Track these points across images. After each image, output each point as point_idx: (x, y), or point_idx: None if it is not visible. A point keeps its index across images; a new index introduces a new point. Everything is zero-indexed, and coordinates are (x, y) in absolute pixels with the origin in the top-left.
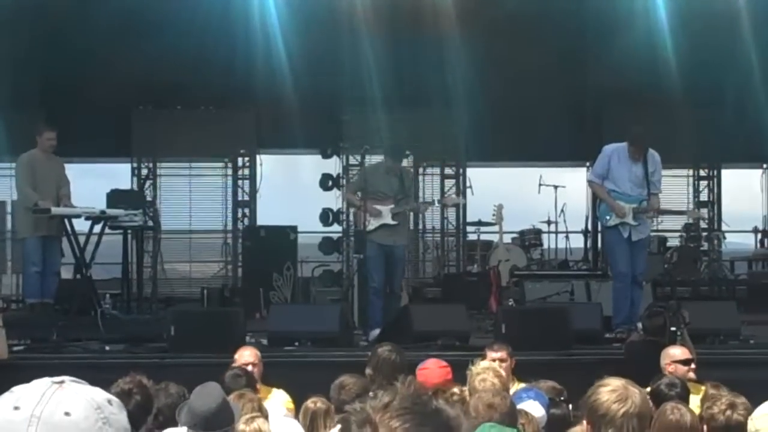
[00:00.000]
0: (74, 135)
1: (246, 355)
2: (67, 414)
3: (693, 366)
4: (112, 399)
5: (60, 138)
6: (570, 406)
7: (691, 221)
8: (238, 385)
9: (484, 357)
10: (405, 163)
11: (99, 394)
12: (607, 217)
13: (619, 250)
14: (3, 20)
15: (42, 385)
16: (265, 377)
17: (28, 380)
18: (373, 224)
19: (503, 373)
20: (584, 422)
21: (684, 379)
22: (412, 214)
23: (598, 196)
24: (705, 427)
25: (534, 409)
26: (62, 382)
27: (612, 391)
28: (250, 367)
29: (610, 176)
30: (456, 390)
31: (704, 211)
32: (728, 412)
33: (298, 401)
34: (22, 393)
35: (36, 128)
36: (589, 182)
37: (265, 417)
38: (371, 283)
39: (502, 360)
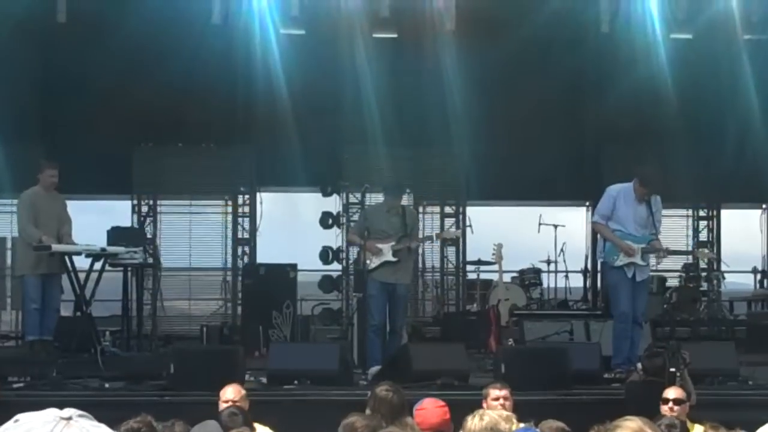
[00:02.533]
0: (75, 171)
1: (228, 393)
2: None
3: (671, 406)
4: None
5: (60, 174)
6: None
7: (692, 261)
8: (235, 423)
9: (486, 396)
10: (405, 200)
11: None
12: (615, 257)
13: (622, 289)
14: (5, 56)
15: (49, 420)
16: (259, 415)
17: None
18: (375, 262)
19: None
20: None
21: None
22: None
23: (604, 236)
24: None
25: None
26: (69, 418)
27: None
28: (230, 405)
29: (615, 217)
30: None
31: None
32: None
33: None
34: (28, 426)
35: (38, 165)
36: (594, 223)
37: None
38: (371, 321)
39: (505, 398)
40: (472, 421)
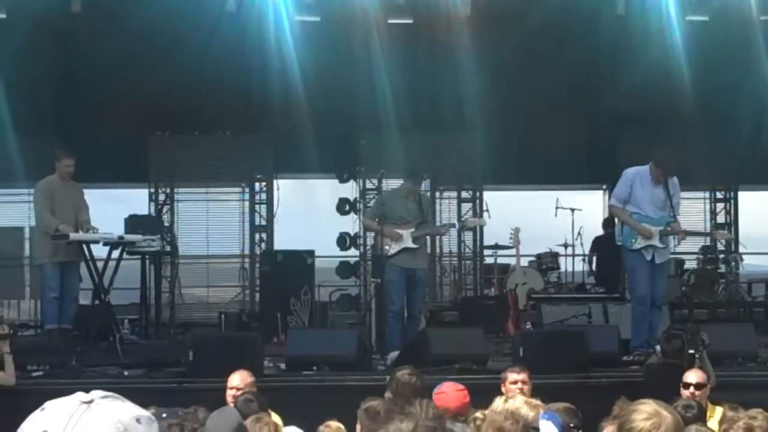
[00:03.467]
0: (91, 160)
1: (233, 380)
2: None
3: (693, 391)
4: (141, 416)
5: (77, 163)
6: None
7: (709, 243)
8: (251, 409)
9: (504, 380)
10: (422, 186)
11: (127, 413)
12: (632, 240)
13: (641, 273)
14: (21, 47)
15: (71, 405)
16: (278, 400)
17: None
18: (394, 248)
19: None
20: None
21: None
22: (429, 238)
23: (621, 220)
24: None
25: (548, 430)
26: (91, 401)
27: (646, 419)
28: (234, 392)
29: (633, 200)
30: (479, 415)
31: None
32: None
33: (314, 426)
34: (51, 415)
35: (54, 154)
36: (611, 207)
37: None
38: (391, 306)
39: (524, 382)
40: (497, 402)
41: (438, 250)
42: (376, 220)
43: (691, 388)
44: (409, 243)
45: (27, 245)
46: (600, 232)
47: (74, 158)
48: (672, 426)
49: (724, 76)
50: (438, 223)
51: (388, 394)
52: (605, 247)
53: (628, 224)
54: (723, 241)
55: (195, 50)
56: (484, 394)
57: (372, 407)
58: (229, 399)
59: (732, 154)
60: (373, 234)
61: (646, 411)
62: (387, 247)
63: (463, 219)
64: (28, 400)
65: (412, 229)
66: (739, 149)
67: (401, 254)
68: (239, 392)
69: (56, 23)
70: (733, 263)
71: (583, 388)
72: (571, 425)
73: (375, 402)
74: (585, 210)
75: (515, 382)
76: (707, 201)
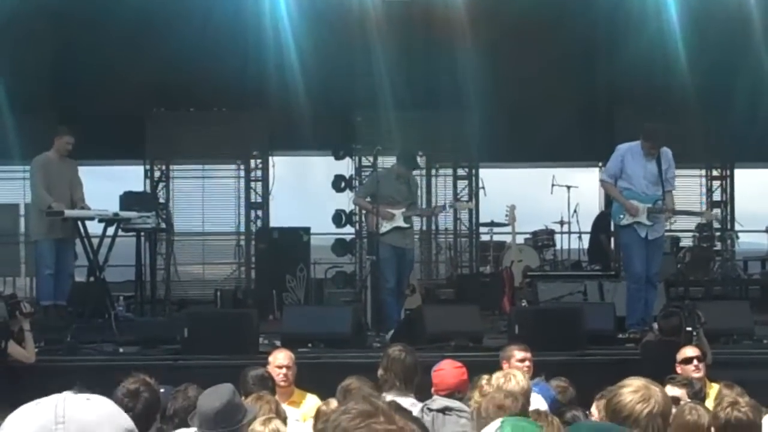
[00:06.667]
0: (87, 137)
1: (280, 358)
2: None
3: (696, 364)
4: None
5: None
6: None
7: (704, 221)
8: (265, 387)
9: (509, 357)
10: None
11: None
12: (621, 216)
13: (634, 249)
14: (19, 25)
15: (45, 420)
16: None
17: (41, 383)
18: (386, 227)
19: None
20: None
21: (690, 378)
22: (417, 218)
23: (611, 195)
24: (712, 429)
25: (537, 402)
26: (63, 422)
27: (634, 392)
28: (284, 370)
29: (625, 175)
30: (485, 382)
31: (717, 212)
32: (728, 410)
33: None
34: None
35: (56, 130)
36: (602, 182)
37: (283, 419)
38: (386, 284)
39: (529, 360)
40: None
41: (434, 227)
42: (368, 198)
43: (695, 361)
44: (400, 222)
45: (22, 222)
46: (597, 210)
47: (74, 137)
48: (661, 400)
49: (720, 53)
50: (423, 204)
51: (380, 371)
52: (597, 225)
53: (617, 200)
54: (708, 220)
55: (191, 27)
56: (479, 371)
57: (344, 386)
58: (281, 379)
59: (728, 131)
60: (364, 212)
61: (634, 384)
62: (381, 225)
63: (451, 202)
64: (25, 377)
65: (404, 209)
66: (736, 127)
67: (392, 233)
68: (288, 371)
69: (52, 1)
70: (728, 241)
71: (579, 366)
72: (563, 401)
73: (349, 381)
74: (581, 187)
75: (523, 360)
76: (704, 179)
